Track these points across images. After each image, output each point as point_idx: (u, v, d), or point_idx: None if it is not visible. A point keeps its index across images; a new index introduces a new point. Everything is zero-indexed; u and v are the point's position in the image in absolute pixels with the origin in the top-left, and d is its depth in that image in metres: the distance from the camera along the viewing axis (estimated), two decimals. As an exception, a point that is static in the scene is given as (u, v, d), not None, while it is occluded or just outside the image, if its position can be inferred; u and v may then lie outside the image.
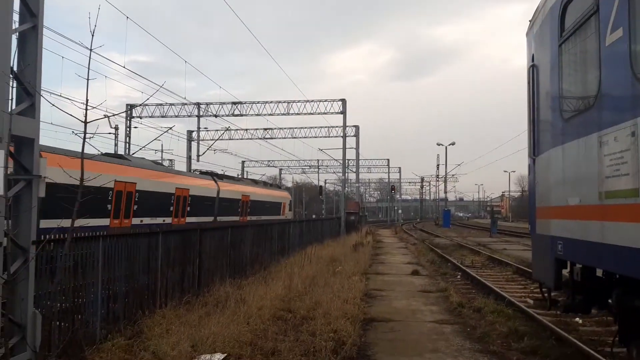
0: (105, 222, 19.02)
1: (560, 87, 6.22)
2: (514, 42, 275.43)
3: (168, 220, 23.51)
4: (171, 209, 24.13)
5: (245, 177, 56.43)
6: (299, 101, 38.59)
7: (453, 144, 72.59)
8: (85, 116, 5.68)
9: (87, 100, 5.78)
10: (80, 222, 6.07)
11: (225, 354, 6.98)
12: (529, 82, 7.58)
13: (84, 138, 5.89)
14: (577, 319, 9.62)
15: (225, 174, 35.72)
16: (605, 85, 4.85)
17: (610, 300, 5.76)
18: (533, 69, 7.40)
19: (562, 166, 6.07)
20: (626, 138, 4.37)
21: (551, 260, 6.42)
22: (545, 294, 7.49)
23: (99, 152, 21.97)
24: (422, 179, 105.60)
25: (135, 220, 20.99)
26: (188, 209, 25.62)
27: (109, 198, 19.34)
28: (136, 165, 22.25)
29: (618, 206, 4.57)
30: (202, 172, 32.23)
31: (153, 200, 22.39)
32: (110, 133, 39.48)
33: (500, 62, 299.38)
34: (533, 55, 7.49)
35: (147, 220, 21.49)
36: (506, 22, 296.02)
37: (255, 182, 41.37)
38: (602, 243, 4.90)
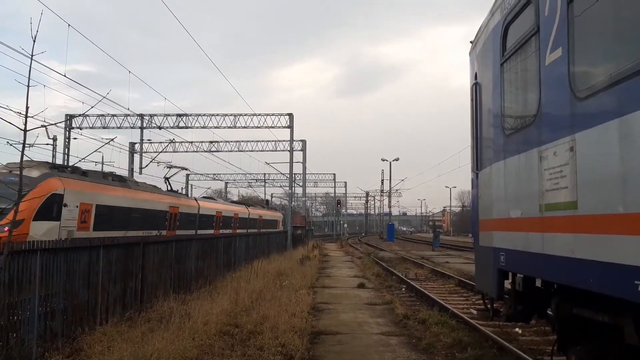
0: (211, 231, 34.13)
1: (502, 104, 6.44)
2: (454, 62, 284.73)
3: (229, 230, 38.83)
4: (232, 225, 40.72)
5: (190, 190, 56.54)
6: (246, 114, 38.33)
7: (397, 159, 73.84)
8: (25, 124, 5.45)
9: (27, 107, 5.55)
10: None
11: (170, 371, 6.79)
12: (472, 100, 7.82)
13: (23, 147, 5.64)
14: (517, 329, 9.93)
15: (251, 202, 58.01)
16: (545, 103, 5.06)
17: (549, 310, 5.97)
18: (476, 87, 7.64)
19: (504, 180, 6.27)
20: (565, 153, 4.56)
21: (494, 271, 6.60)
22: (488, 305, 7.68)
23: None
24: (367, 194, 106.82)
25: (221, 232, 36.08)
26: (237, 224, 42.35)
27: (214, 219, 36.44)
28: (219, 202, 42.34)
29: (557, 218, 4.76)
30: (236, 202, 51.90)
31: (227, 220, 39.49)
32: (48, 144, 37.91)
33: (441, 81, 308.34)
34: (476, 73, 7.74)
35: (225, 231, 36.40)
36: (446, 43, 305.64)
37: (262, 207, 58.32)
38: (541, 254, 5.09)
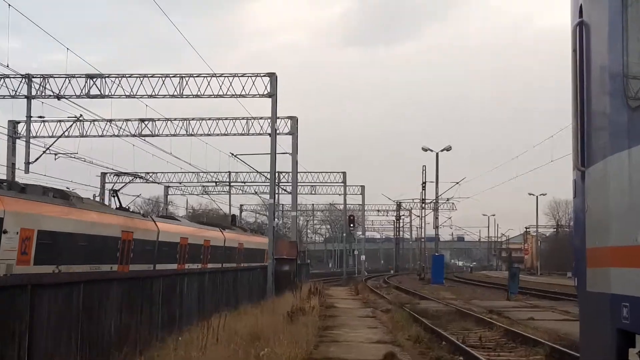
0: (174, 265, 39.38)
1: (625, 58, 6.45)
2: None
3: (199, 265, 44.41)
4: (201, 256, 46.74)
5: (110, 199, 57.39)
6: (199, 75, 38.42)
7: (448, 149, 74.01)
8: None
9: None
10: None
11: None
12: (574, 50, 7.81)
13: None
14: None
15: (225, 224, 63.12)
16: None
17: None
18: (581, 29, 7.64)
19: (630, 183, 6.27)
20: None
21: (611, 333, 6.60)
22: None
23: None
24: (399, 206, 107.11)
25: (187, 266, 41.46)
26: (209, 256, 47.88)
27: (178, 249, 42.05)
28: (183, 224, 48.27)
29: None
30: (207, 224, 59.84)
31: (195, 249, 45.09)
32: None
33: (519, 21, 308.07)
34: (581, 6, 7.75)
35: (192, 266, 41.69)
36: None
37: (244, 230, 67.19)
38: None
